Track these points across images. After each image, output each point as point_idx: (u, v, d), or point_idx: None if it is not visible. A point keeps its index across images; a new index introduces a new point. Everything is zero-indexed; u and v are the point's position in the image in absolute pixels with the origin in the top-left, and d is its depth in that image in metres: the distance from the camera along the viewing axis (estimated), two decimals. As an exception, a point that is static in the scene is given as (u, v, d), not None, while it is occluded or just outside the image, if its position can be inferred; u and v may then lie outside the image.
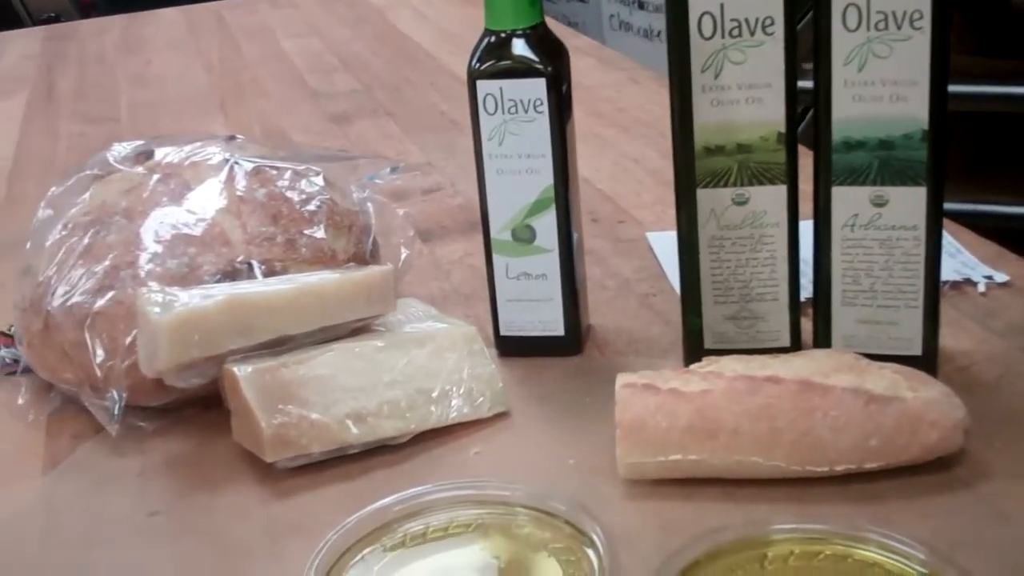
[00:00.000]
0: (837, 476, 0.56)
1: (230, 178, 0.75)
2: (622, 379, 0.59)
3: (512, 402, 0.67)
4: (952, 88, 0.59)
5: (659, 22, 3.15)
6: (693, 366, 0.60)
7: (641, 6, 3.20)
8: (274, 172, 0.76)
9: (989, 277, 0.75)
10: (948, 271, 0.74)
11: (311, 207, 0.74)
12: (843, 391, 0.55)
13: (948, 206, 0.62)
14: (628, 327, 0.75)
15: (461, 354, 0.67)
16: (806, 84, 0.61)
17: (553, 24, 0.73)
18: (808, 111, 0.62)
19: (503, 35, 0.66)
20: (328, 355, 0.65)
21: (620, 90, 1.28)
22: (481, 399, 0.66)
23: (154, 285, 0.67)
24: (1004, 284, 0.74)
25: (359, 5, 1.89)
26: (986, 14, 1.88)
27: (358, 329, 0.68)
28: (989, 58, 1.77)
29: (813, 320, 0.66)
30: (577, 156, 0.70)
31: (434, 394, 0.65)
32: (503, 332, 0.72)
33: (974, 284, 0.74)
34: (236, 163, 0.76)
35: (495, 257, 0.70)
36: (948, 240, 0.79)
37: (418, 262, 0.84)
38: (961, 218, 0.84)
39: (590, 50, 1.46)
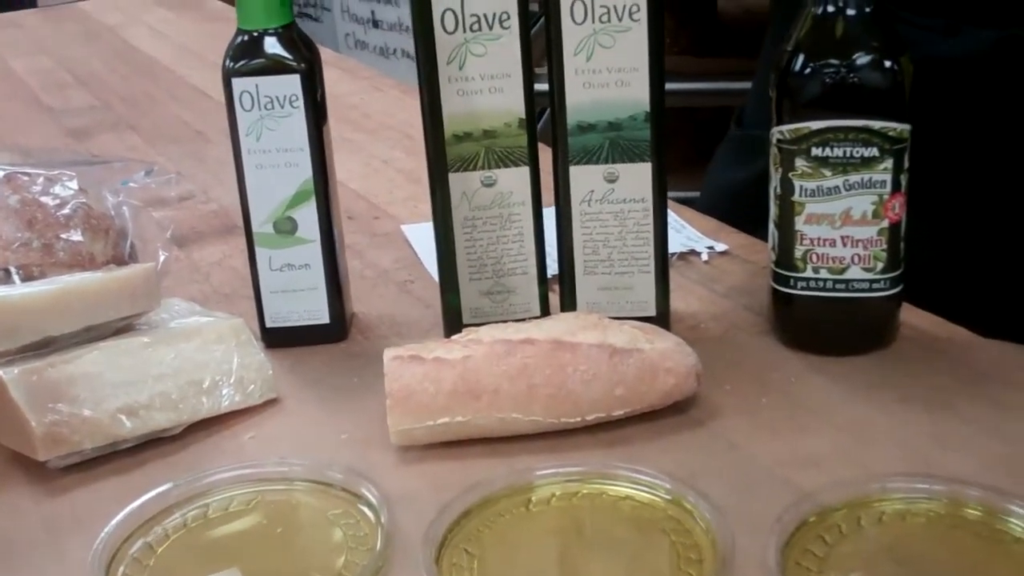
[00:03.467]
0: (590, 425, 0.61)
1: (-22, 186, 0.74)
2: (389, 353, 0.63)
3: (283, 388, 0.69)
4: (670, 85, 0.66)
5: (394, 40, 3.20)
6: (455, 336, 0.64)
7: (375, 24, 3.25)
8: (26, 178, 0.75)
9: (711, 247, 0.83)
10: (675, 244, 0.82)
11: (66, 211, 0.74)
12: (589, 346, 0.61)
13: (677, 193, 0.69)
14: (390, 312, 0.78)
15: (229, 346, 0.69)
16: (542, 87, 0.66)
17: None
18: (546, 110, 0.68)
19: (256, 34, 0.68)
20: (95, 353, 0.65)
21: (364, 97, 1.32)
22: (252, 387, 0.68)
23: (-96, 295, 0.65)
24: (724, 253, 0.83)
25: (90, 23, 1.84)
26: (696, 18, 2.06)
27: (123, 328, 0.69)
28: (699, 57, 1.95)
29: (560, 291, 0.71)
30: (331, 156, 0.73)
31: (205, 385, 0.67)
32: (269, 324, 0.74)
33: (698, 254, 0.82)
34: (-16, 171, 0.75)
35: (258, 250, 0.72)
36: (673, 217, 0.87)
37: (176, 266, 0.85)
38: (689, 202, 0.93)
39: (331, 60, 1.48)
